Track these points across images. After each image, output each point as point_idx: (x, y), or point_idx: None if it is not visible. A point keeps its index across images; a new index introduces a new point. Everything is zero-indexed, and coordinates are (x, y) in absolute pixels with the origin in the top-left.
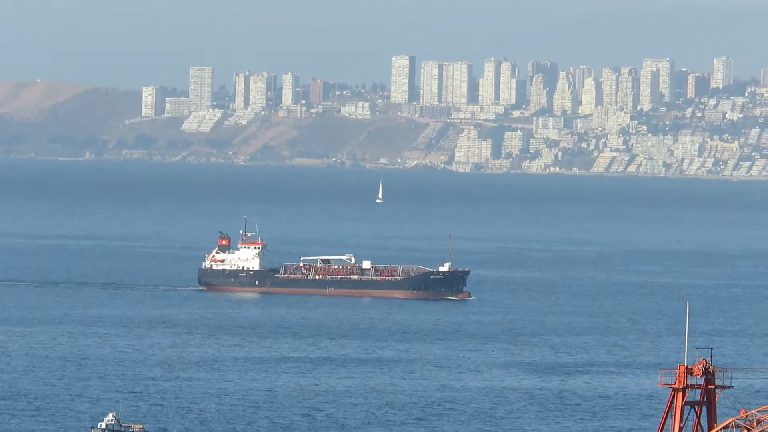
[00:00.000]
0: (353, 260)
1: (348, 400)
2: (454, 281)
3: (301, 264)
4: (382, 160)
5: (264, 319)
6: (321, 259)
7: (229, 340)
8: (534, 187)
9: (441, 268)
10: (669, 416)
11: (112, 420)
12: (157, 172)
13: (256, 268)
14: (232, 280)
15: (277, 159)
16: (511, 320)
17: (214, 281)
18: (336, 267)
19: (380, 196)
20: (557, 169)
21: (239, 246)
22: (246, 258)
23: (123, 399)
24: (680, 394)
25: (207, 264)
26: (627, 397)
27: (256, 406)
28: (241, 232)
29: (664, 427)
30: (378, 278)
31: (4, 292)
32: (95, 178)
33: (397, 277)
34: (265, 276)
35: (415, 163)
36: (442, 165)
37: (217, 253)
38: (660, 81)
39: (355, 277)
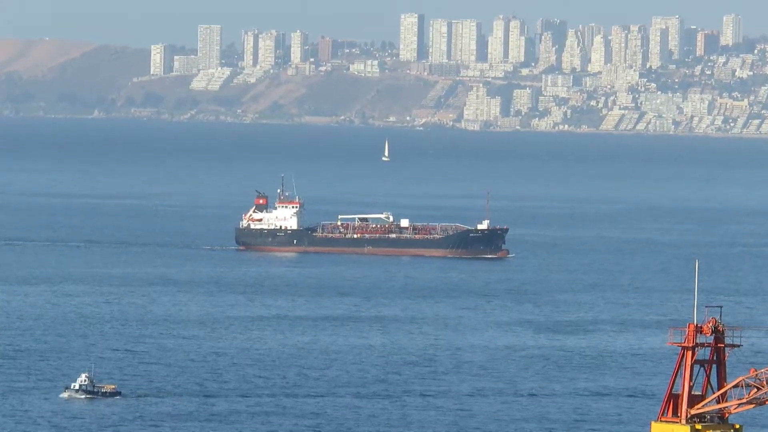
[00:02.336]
0: (391, 219)
1: (390, 357)
2: (493, 239)
3: (339, 223)
4: (391, 119)
5: (304, 278)
6: (359, 218)
7: (269, 300)
8: (545, 145)
9: (480, 226)
10: (679, 375)
11: (85, 380)
12: (169, 129)
13: (294, 227)
14: (270, 239)
15: (285, 117)
16: (551, 278)
17: (251, 241)
18: (374, 226)
19: (386, 154)
20: (566, 127)
21: (276, 205)
22: (284, 217)
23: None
24: (690, 352)
25: (244, 223)
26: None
27: (300, 366)
28: (279, 191)
29: (674, 386)
30: (416, 237)
31: (48, 251)
32: (111, 137)
33: (436, 236)
34: (303, 235)
35: (423, 121)
36: (451, 123)
37: (254, 212)
38: (669, 38)
39: (393, 235)
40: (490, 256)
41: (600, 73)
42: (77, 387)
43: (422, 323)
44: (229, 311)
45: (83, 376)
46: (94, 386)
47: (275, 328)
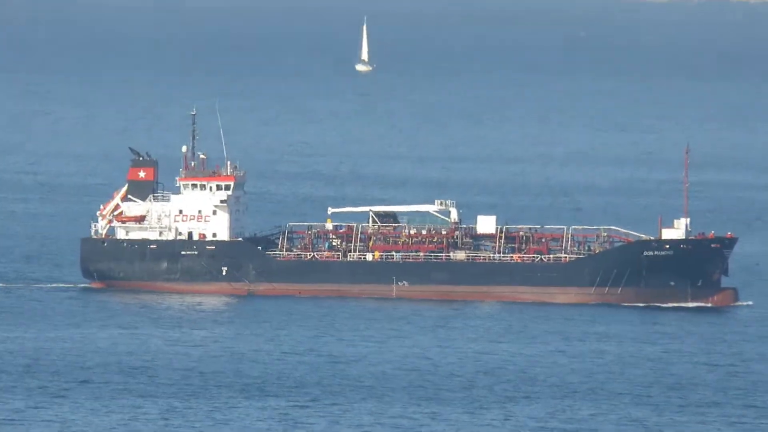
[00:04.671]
0: (453, 215)
1: None
2: (698, 262)
3: (329, 226)
4: None
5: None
6: (374, 213)
7: None
8: None
9: (668, 233)
10: None
11: None
12: None
13: (225, 236)
14: (165, 265)
15: None
16: None
17: (118, 269)
18: (413, 232)
19: (364, 56)
20: None
21: (180, 183)
22: (198, 212)
23: None
24: None
25: (101, 227)
26: None
27: None
28: (185, 149)
29: None
30: (517, 257)
31: None
32: None
33: (564, 256)
34: (244, 255)
35: None
36: None
37: (124, 199)
38: None
39: (460, 255)
40: (692, 304)
41: None
42: None
43: None
44: None
45: None
46: None
47: None
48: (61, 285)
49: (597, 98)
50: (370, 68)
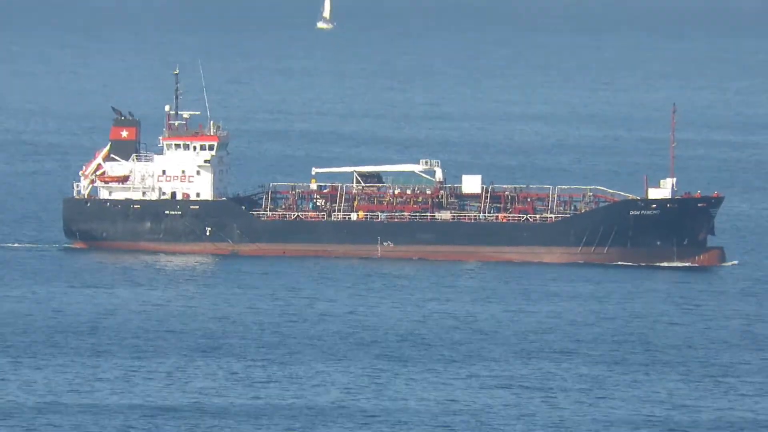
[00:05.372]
0: (438, 174)
1: None
2: (687, 222)
3: (314, 186)
4: None
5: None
6: (358, 174)
7: None
8: None
9: (654, 193)
10: None
11: None
12: None
13: (209, 196)
14: (149, 225)
15: None
16: None
17: (100, 228)
18: (397, 192)
19: (326, 14)
20: None
21: (163, 143)
22: (181, 172)
23: None
24: None
25: (83, 187)
26: None
27: None
28: (168, 108)
29: None
30: (503, 217)
31: None
32: None
33: (549, 216)
34: (228, 215)
35: None
36: None
37: (107, 160)
38: None
39: (446, 214)
40: (678, 264)
41: None
42: None
43: None
44: None
45: None
46: None
47: None
48: (42, 246)
49: (578, 55)
50: (332, 26)
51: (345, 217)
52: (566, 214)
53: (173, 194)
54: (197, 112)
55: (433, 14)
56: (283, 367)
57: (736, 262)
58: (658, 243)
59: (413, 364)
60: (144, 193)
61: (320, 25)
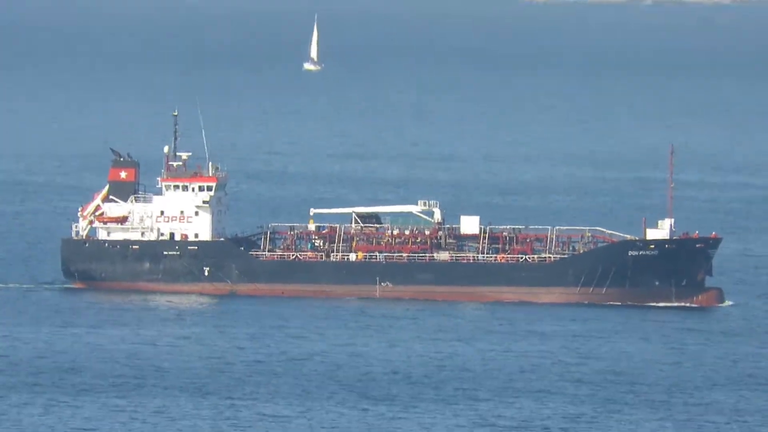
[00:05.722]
0: (437, 215)
1: None
2: (684, 262)
3: (312, 227)
4: None
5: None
6: (356, 215)
7: None
8: None
9: (653, 233)
10: None
11: None
12: None
13: (207, 236)
14: (147, 265)
15: None
16: None
17: (98, 269)
18: (396, 232)
19: (313, 55)
20: None
21: (162, 184)
22: (180, 212)
23: None
24: None
25: (81, 228)
26: None
27: None
28: (167, 149)
29: None
30: (502, 258)
31: None
32: None
33: (549, 256)
34: (227, 255)
35: None
36: None
37: (105, 201)
38: None
39: (444, 255)
40: (677, 304)
41: None
42: None
43: None
44: None
45: None
46: None
47: None
48: (37, 285)
49: (562, 96)
50: (319, 68)
51: (343, 258)
52: (565, 254)
53: (172, 235)
54: (189, 153)
55: (426, 54)
56: (268, 406)
57: (731, 302)
58: (657, 283)
59: (398, 403)
60: (142, 234)
61: (307, 66)
